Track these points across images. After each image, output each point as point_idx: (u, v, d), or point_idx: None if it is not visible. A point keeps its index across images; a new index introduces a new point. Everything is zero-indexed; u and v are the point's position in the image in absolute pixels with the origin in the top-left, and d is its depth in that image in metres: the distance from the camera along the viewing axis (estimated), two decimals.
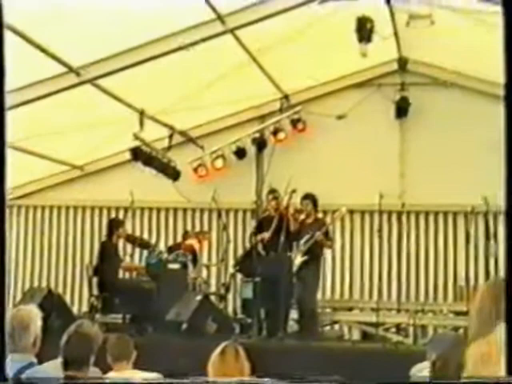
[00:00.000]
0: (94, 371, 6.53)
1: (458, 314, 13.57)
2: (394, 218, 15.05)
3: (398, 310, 14.19)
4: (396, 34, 13.17)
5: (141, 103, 13.00)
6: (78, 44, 10.55)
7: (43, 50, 10.26)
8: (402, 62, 14.83)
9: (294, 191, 12.65)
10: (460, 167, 14.02)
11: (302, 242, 12.56)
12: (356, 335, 13.87)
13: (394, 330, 13.62)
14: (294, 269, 12.51)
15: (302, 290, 12.57)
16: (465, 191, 13.53)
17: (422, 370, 5.78)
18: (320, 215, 13.12)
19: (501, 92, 12.81)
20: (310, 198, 12.75)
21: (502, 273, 12.17)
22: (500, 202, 12.06)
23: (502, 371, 2.48)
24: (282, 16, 11.16)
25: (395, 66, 14.92)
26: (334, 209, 13.58)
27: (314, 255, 12.62)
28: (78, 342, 5.98)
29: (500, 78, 13.09)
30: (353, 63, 13.61)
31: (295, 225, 12.75)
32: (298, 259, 12.54)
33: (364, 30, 11.59)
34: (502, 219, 13.73)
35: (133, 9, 10.05)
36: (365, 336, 13.63)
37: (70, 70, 11.22)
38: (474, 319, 3.50)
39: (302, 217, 12.85)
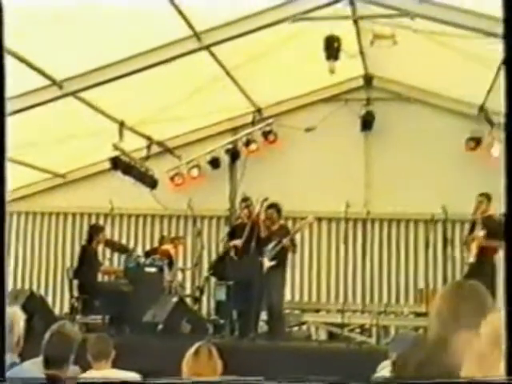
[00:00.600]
0: (73, 369, 6.52)
1: (418, 315, 13.67)
2: (359, 225, 15.10)
3: (362, 312, 14.26)
4: (362, 52, 13.26)
5: (120, 115, 12.98)
6: (61, 58, 10.54)
7: (28, 63, 10.24)
8: (368, 79, 14.92)
9: (265, 200, 12.69)
10: (421, 178, 14.13)
11: (270, 247, 12.60)
12: (322, 335, 13.90)
13: (358, 330, 13.68)
14: (264, 273, 12.52)
15: (271, 293, 12.59)
16: (425, 201, 13.64)
17: (384, 367, 5.80)
18: (283, 222, 13.13)
19: (460, 108, 12.82)
20: (274, 207, 12.79)
21: (458, 277, 12.17)
22: (457, 210, 12.10)
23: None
24: (256, 33, 11.22)
25: (361, 82, 15.00)
26: (303, 216, 13.63)
27: (280, 260, 12.65)
28: (59, 341, 5.98)
29: (458, 94, 13.16)
30: (321, 79, 13.65)
31: (265, 232, 12.79)
32: (266, 264, 12.56)
33: (332, 48, 11.64)
34: (458, 227, 13.85)
35: (114, 25, 10.08)
36: (331, 336, 13.67)
37: (54, 82, 11.21)
38: (433, 321, 3.52)
39: (267, 225, 12.89)
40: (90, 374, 6.83)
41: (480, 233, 12.66)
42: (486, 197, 12.80)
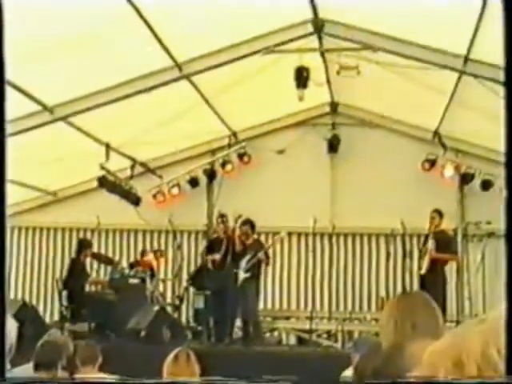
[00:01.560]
0: (61, 375, 6.49)
1: (379, 321, 13.68)
2: (325, 239, 15.12)
3: (329, 318, 14.28)
4: (328, 81, 13.33)
5: (106, 137, 12.95)
6: (51, 85, 10.53)
7: (20, 90, 10.21)
8: (334, 106, 14.99)
9: (239, 216, 12.72)
10: (381, 196, 14.20)
11: (245, 260, 12.61)
12: (292, 340, 13.90)
13: (325, 335, 13.71)
14: (239, 283, 12.53)
15: (247, 302, 12.59)
16: (385, 216, 13.68)
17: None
18: (256, 236, 13.14)
19: (417, 133, 12.86)
20: (248, 223, 12.81)
21: (416, 286, 12.15)
22: (414, 225, 12.13)
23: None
24: (232, 64, 11.26)
25: (327, 109, 15.06)
26: (275, 231, 13.69)
27: (255, 272, 12.67)
28: (48, 349, 5.97)
29: (415, 120, 13.19)
30: (291, 106, 13.69)
31: (240, 246, 12.81)
32: (242, 275, 12.56)
33: (301, 77, 11.70)
34: (416, 240, 13.91)
35: (102, 55, 10.10)
36: (300, 341, 13.68)
37: (45, 108, 11.20)
38: (387, 328, 3.52)
39: (242, 239, 12.92)
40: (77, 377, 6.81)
41: (431, 246, 12.78)
42: (438, 213, 12.96)
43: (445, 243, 12.93)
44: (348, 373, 6.04)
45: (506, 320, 1.42)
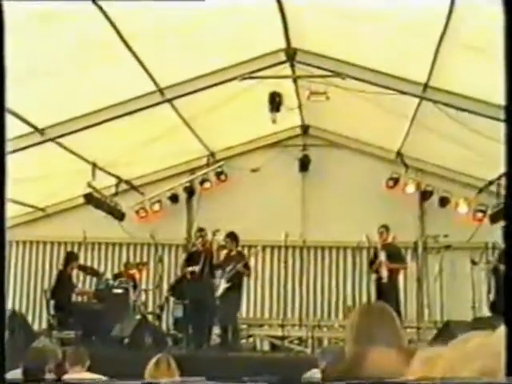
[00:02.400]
0: (48, 377, 6.49)
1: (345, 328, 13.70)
2: (297, 252, 15.15)
3: (300, 326, 14.29)
4: (300, 105, 13.41)
5: (93, 157, 12.93)
6: (43, 107, 10.54)
7: (14, 114, 10.20)
8: (304, 128, 15.08)
9: (217, 231, 12.74)
10: (349, 211, 14.26)
11: (227, 270, 12.61)
12: (266, 346, 13.89)
13: (296, 341, 13.70)
14: (220, 292, 12.52)
15: (226, 311, 12.58)
16: (352, 231, 13.72)
17: (314, 374, 5.83)
18: (240, 249, 13.16)
19: (382, 153, 12.94)
20: (231, 236, 12.81)
21: (383, 295, 12.04)
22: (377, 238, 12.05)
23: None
24: (211, 89, 11.32)
25: (299, 131, 15.14)
26: (250, 244, 13.72)
27: (235, 282, 12.67)
28: (36, 355, 5.98)
29: (380, 142, 13.27)
30: (265, 128, 13.73)
31: (218, 258, 12.83)
32: (223, 285, 12.56)
33: (274, 102, 11.79)
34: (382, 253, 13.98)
35: (91, 80, 10.11)
36: (273, 347, 13.67)
37: (36, 130, 11.20)
38: (349, 337, 3.55)
39: (225, 251, 12.93)
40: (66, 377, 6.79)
41: (383, 257, 12.96)
42: (385, 228, 13.13)
43: (395, 254, 13.13)
44: (310, 374, 6.06)
45: (505, 321, 1.34)
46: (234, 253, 12.81)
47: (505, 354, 1.26)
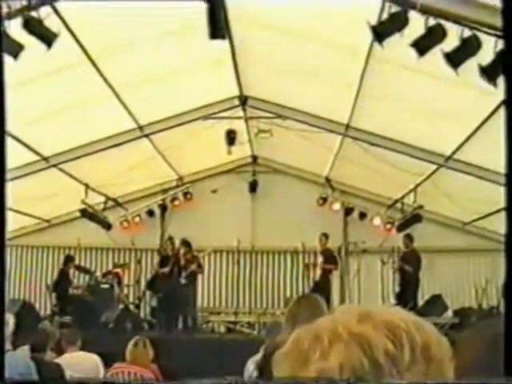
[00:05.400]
0: (50, 355, 6.40)
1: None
2: (247, 255, 15.12)
3: (249, 313, 14.23)
4: (250, 140, 13.50)
5: (86, 179, 12.86)
6: (46, 140, 10.47)
7: (22, 143, 10.10)
8: (254, 158, 15.09)
9: (183, 239, 12.77)
10: (288, 223, 14.22)
11: (185, 271, 12.63)
12: (222, 330, 13.82)
13: (246, 325, 13.66)
14: (181, 288, 12.50)
15: (185, 302, 12.54)
16: (291, 238, 13.80)
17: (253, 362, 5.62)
18: (196, 253, 13.10)
19: (314, 178, 12.95)
20: (185, 243, 12.81)
21: (317, 289, 11.99)
22: (311, 245, 12.23)
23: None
24: (181, 126, 11.34)
25: (249, 160, 15.13)
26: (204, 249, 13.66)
27: (191, 280, 12.66)
28: (40, 335, 5.91)
29: (313, 169, 13.32)
30: (222, 158, 13.70)
31: (183, 261, 12.80)
32: (182, 282, 12.55)
33: (230, 137, 11.89)
34: (312, 256, 14.06)
35: (85, 119, 10.09)
36: (228, 330, 13.60)
37: (42, 158, 11.13)
38: (285, 318, 3.57)
39: (187, 256, 12.91)
40: (65, 357, 6.70)
41: (321, 260, 13.09)
42: (324, 235, 13.24)
43: (329, 257, 13.23)
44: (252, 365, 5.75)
45: (505, 321, 1.18)
46: (189, 256, 12.79)
47: (505, 354, 1.13)
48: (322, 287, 12.47)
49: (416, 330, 0.93)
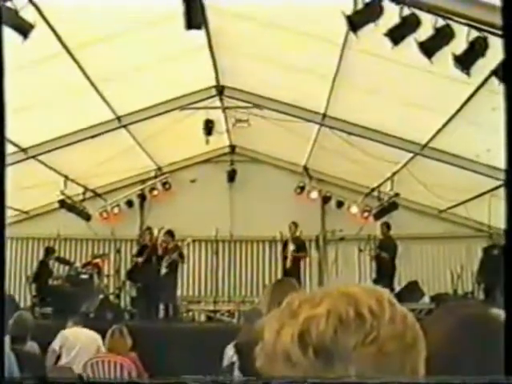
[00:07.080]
0: (31, 345, 6.36)
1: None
2: (226, 244, 15.17)
3: (229, 302, 14.28)
4: (228, 130, 13.48)
5: (65, 171, 12.79)
6: (26, 131, 10.37)
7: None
8: (232, 148, 15.08)
9: (161, 229, 12.76)
10: (266, 213, 14.24)
11: (165, 260, 12.62)
12: (202, 318, 13.84)
13: (226, 314, 13.69)
14: (161, 277, 12.50)
15: (167, 291, 12.54)
16: (269, 228, 13.81)
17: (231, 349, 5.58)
18: (177, 243, 13.11)
19: (292, 167, 12.99)
20: (169, 233, 12.81)
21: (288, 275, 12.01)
22: (288, 233, 12.14)
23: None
24: (159, 117, 11.28)
25: (227, 150, 15.13)
26: (184, 239, 13.65)
27: (172, 268, 12.66)
28: (18, 325, 5.87)
29: (291, 158, 13.36)
30: (200, 147, 13.68)
31: (161, 250, 12.79)
32: (163, 271, 12.55)
33: (207, 127, 11.86)
34: (291, 245, 14.11)
35: (64, 111, 10.01)
36: (208, 318, 13.63)
37: (21, 149, 11.01)
38: (263, 301, 3.63)
39: (164, 245, 12.90)
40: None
41: (291, 248, 13.16)
42: (294, 224, 13.31)
43: (300, 246, 13.31)
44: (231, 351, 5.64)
45: (505, 320, 1.25)
46: (171, 245, 12.79)
47: (505, 354, 1.17)
48: (292, 275, 12.56)
49: (396, 302, 1.04)
